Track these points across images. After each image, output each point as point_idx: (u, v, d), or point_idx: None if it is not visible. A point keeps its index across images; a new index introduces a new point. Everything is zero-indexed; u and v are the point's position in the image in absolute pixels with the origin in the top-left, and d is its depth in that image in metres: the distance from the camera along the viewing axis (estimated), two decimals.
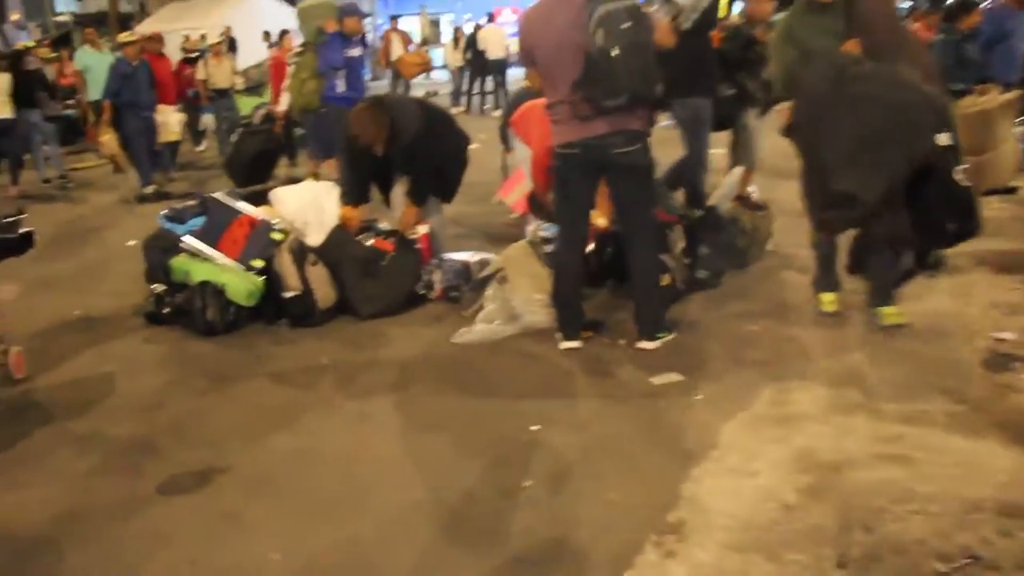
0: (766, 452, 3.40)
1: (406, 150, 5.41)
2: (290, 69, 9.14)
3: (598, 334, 4.77)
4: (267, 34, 18.36)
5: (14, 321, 5.58)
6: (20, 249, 4.34)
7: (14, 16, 41.11)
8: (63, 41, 32.14)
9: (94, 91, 11.03)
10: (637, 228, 4.56)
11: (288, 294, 5.12)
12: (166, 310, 5.32)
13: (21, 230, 4.35)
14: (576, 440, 3.62)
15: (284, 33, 12.98)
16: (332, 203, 5.89)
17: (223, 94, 12.49)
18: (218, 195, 5.74)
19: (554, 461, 3.47)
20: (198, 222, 5.92)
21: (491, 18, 16.87)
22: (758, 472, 3.25)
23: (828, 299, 4.82)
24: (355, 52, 8.27)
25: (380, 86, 18.43)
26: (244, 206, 5.57)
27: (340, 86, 8.21)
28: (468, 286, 5.45)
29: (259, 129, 9.74)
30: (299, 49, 9.08)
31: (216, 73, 12.33)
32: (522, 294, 5.04)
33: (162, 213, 6.10)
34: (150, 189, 9.85)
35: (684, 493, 3.14)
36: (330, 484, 3.45)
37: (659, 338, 4.59)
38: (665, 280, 4.92)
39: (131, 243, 7.45)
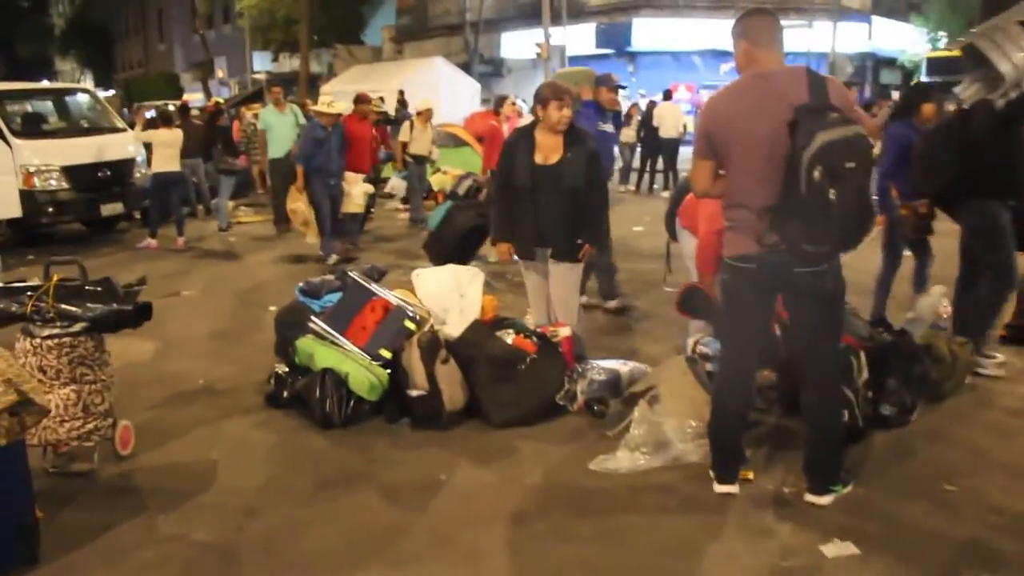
0: None
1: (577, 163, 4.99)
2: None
3: (759, 478, 4.02)
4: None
5: (139, 384, 5.41)
6: (137, 321, 4.04)
7: (220, 73, 44.32)
8: (255, 98, 34.19)
9: (273, 150, 11.03)
10: (817, 362, 3.77)
11: (414, 393, 4.62)
12: (285, 393, 4.92)
13: (139, 300, 4.03)
14: None
15: (503, 98, 12.64)
16: (475, 291, 5.42)
17: (420, 161, 12.05)
18: (355, 273, 5.36)
19: None
20: (333, 299, 5.58)
21: (667, 95, 16.23)
22: None
23: None
24: (608, 127, 7.16)
25: None
26: (380, 288, 5.16)
27: None
28: (616, 400, 4.80)
29: (470, 203, 8.99)
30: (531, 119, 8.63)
31: (420, 139, 11.86)
32: (675, 420, 4.35)
33: (299, 286, 5.80)
34: (332, 259, 9.30)
35: None
36: None
37: (833, 492, 3.79)
38: (843, 418, 4.12)
39: (272, 308, 7.26)
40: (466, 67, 28.91)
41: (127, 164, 11.16)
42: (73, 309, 3.89)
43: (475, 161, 16.57)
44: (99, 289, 3.96)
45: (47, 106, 13.04)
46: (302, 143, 9.46)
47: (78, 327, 3.90)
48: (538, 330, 5.11)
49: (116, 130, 11.65)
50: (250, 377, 5.54)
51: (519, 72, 32.68)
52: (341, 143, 9.53)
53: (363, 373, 4.64)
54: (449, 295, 5.40)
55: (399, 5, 38.95)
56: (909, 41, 28.82)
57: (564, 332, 5.06)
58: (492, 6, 31.63)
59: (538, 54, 26.58)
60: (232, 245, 11.15)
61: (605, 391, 4.86)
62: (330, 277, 5.82)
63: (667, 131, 15.17)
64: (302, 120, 11.25)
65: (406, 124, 12.15)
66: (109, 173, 10.86)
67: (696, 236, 5.15)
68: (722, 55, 27.85)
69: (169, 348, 6.38)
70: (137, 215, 12.01)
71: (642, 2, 27.85)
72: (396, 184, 12.81)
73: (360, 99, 10.65)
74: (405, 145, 11.84)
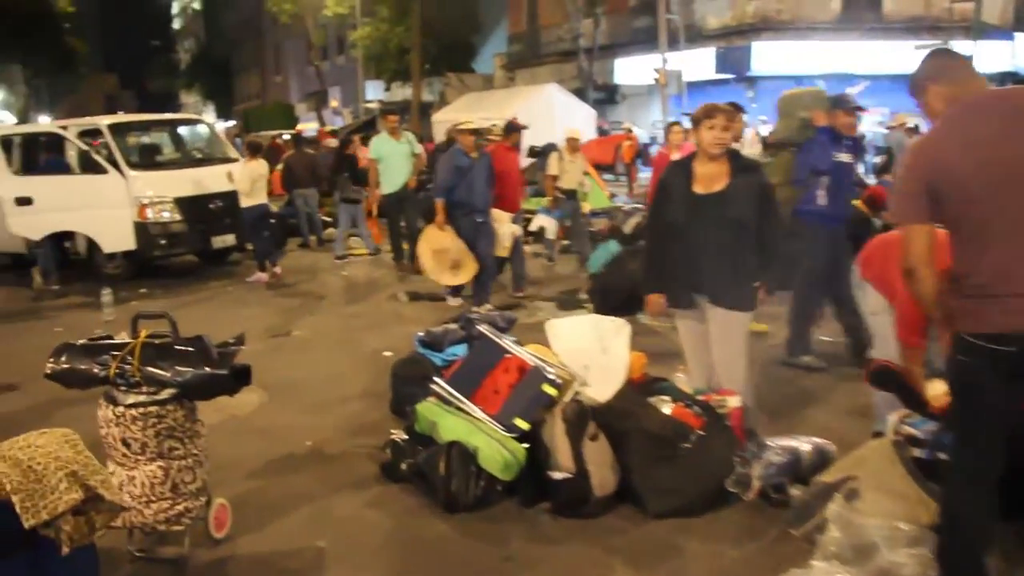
0: None
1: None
2: None
3: None
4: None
5: (240, 443, 4.83)
6: (233, 388, 3.40)
7: (333, 103, 44.99)
8: (368, 127, 34.39)
9: (386, 182, 10.33)
10: None
11: (557, 475, 3.85)
12: (403, 466, 4.22)
13: (236, 363, 3.39)
14: None
15: (673, 124, 11.66)
16: (621, 346, 4.64)
17: (572, 196, 10.69)
18: (485, 327, 4.65)
19: None
20: (457, 351, 4.91)
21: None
22: None
23: None
24: (844, 157, 6.10)
25: None
26: (513, 344, 4.43)
27: (820, 198, 6.04)
28: (796, 486, 3.94)
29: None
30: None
31: (570, 171, 10.48)
32: (880, 520, 3.46)
33: (418, 335, 5.13)
34: (483, 308, 7.45)
35: None
36: None
37: None
38: None
39: (387, 354, 6.65)
40: (580, 93, 28.24)
41: (237, 195, 10.82)
42: (161, 373, 3.29)
43: (595, 191, 15.87)
44: (191, 349, 3.34)
45: (162, 137, 12.94)
46: (441, 172, 8.28)
47: (166, 394, 3.29)
48: (700, 398, 4.28)
49: (229, 160, 11.33)
50: (364, 439, 4.88)
51: (634, 99, 31.89)
52: (488, 174, 8.24)
53: (495, 448, 3.90)
54: (590, 350, 4.63)
55: (511, 32, 38.71)
56: None
57: (733, 402, 4.21)
58: (606, 31, 30.95)
59: (655, 80, 25.77)
60: (346, 280, 10.63)
61: (784, 475, 4.00)
62: (453, 326, 5.15)
63: None
64: (418, 149, 10.65)
65: (553, 156, 10.74)
66: (221, 204, 10.52)
67: (884, 293, 4.27)
68: (847, 79, 26.42)
69: (275, 398, 5.80)
70: (249, 247, 11.68)
71: (762, 25, 26.68)
72: (544, 222, 11.40)
73: (512, 127, 9.26)
74: (554, 179, 10.48)
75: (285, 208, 13.78)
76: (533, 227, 11.15)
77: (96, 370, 3.33)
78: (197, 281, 10.40)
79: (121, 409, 3.27)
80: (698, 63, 26.72)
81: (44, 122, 29.08)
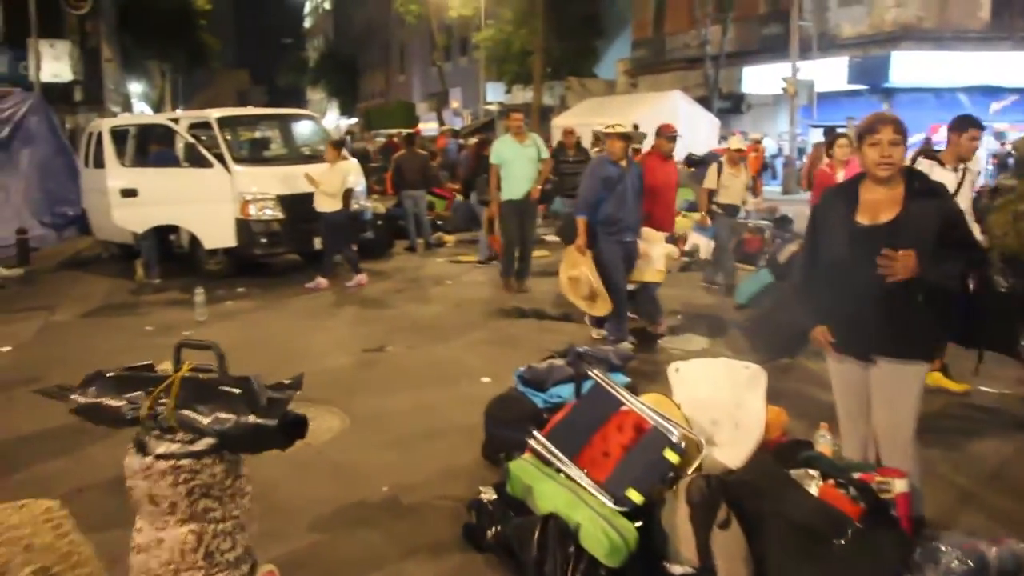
0: None
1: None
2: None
3: None
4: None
5: (306, 482, 4.26)
6: (284, 442, 2.78)
7: (454, 104, 44.96)
8: (487, 128, 34.07)
9: (507, 189, 9.23)
10: None
11: (675, 569, 3.10)
12: (490, 533, 3.54)
13: (289, 411, 2.77)
14: None
15: (839, 136, 10.05)
16: (757, 400, 3.86)
17: (732, 212, 9.58)
18: (597, 371, 3.92)
19: None
20: (563, 392, 4.21)
21: (928, 147, 13.38)
22: None
23: None
24: None
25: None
26: (629, 395, 3.69)
27: None
28: None
29: None
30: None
31: (732, 185, 9.37)
32: None
33: (519, 371, 4.45)
34: (627, 346, 6.59)
35: None
36: None
37: None
38: None
39: (486, 380, 6.01)
40: (704, 101, 27.12)
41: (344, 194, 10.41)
42: (199, 418, 2.69)
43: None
44: (236, 391, 2.73)
45: (270, 132, 12.67)
46: (586, 184, 6.94)
47: (203, 445, 2.70)
48: (858, 476, 3.43)
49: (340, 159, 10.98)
50: (448, 488, 4.23)
51: (759, 108, 30.48)
52: (639, 187, 7.04)
53: (601, 526, 3.17)
54: (721, 402, 3.88)
55: (635, 38, 37.76)
56: None
57: (900, 486, 3.36)
58: (734, 38, 29.68)
59: (784, 89, 24.47)
60: (451, 290, 9.92)
61: None
62: (559, 362, 4.45)
63: None
64: (544, 153, 9.57)
65: (713, 167, 9.63)
66: None
67: None
68: (992, 92, 24.49)
69: (356, 426, 5.24)
70: (354, 247, 11.28)
71: (901, 33, 24.96)
72: (698, 241, 10.44)
73: (663, 132, 8.12)
74: (712, 193, 9.42)
75: (394, 208, 13.39)
76: (687, 247, 10.17)
77: (126, 409, 2.77)
78: (296, 282, 10.00)
79: (150, 460, 2.69)
80: (830, 72, 25.25)
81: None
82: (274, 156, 11.54)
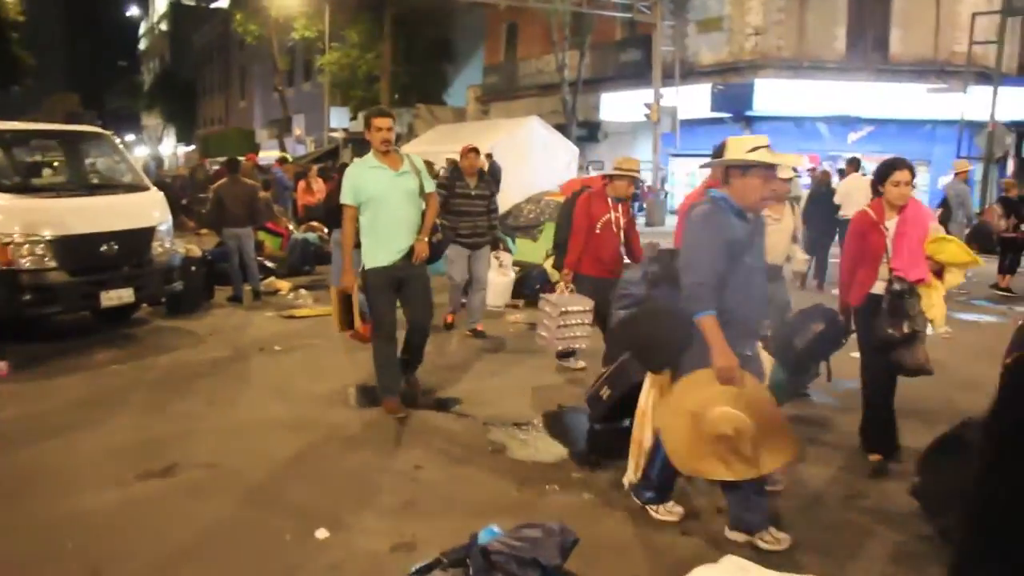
0: None
1: None
2: None
3: None
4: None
5: None
6: None
7: (297, 131, 42.45)
8: (331, 156, 32.01)
9: (373, 248, 5.85)
10: None
11: None
12: None
13: None
14: None
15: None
16: None
17: (772, 276, 5.15)
18: None
19: None
20: None
21: (855, 164, 12.59)
22: None
23: None
24: None
25: None
26: None
27: None
28: None
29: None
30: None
31: (771, 237, 4.95)
32: None
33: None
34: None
35: None
36: None
37: None
38: None
39: (323, 535, 4.16)
40: (562, 129, 26.02)
41: (143, 235, 8.25)
42: None
43: None
44: None
45: (48, 154, 10.30)
46: (701, 253, 3.87)
47: None
48: None
49: (137, 188, 8.80)
50: None
51: (616, 137, 29.76)
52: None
53: None
54: None
55: (486, 63, 36.67)
56: None
57: None
58: (590, 65, 28.85)
59: (647, 116, 23.66)
60: (281, 364, 7.71)
61: None
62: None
63: (850, 211, 11.56)
64: (430, 185, 6.04)
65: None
66: (117, 247, 7.93)
67: None
68: (851, 122, 24.49)
69: None
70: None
71: (761, 62, 24.71)
72: None
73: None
74: None
75: (214, 250, 11.27)
76: None
77: None
78: (77, 352, 7.77)
79: None
80: (692, 100, 24.67)
81: None
82: (49, 185, 9.17)
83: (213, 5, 50.03)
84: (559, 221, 7.85)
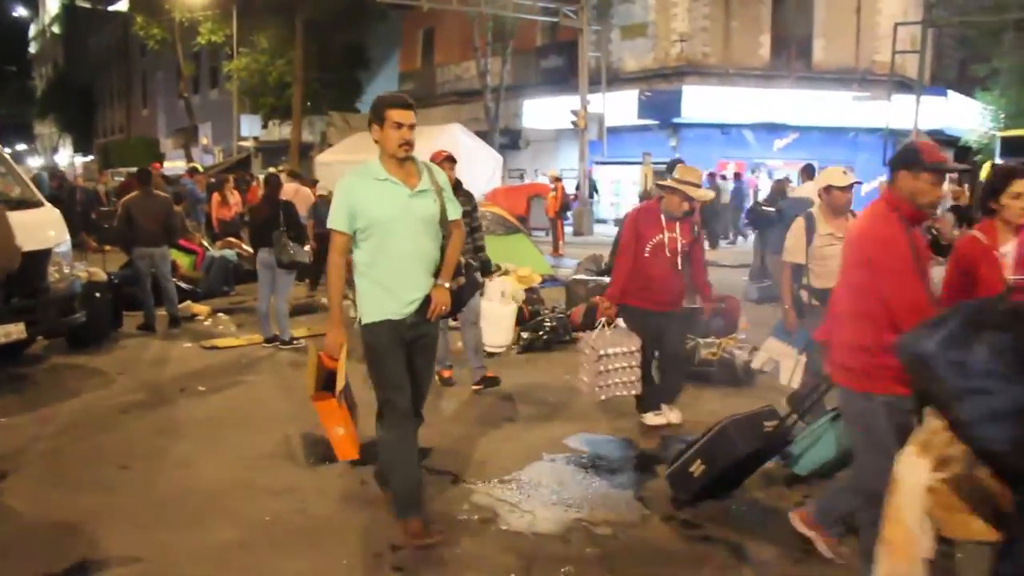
0: None
1: None
2: None
3: None
4: None
5: None
6: None
7: (204, 140, 40.62)
8: (241, 166, 30.55)
9: (373, 294, 3.57)
10: None
11: None
12: None
13: None
14: None
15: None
16: None
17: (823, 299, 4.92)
18: None
19: None
20: None
21: (810, 172, 11.98)
22: None
23: None
24: None
25: None
26: None
27: None
28: None
29: None
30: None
31: (831, 259, 5.01)
32: None
33: None
34: None
35: None
36: None
37: None
38: None
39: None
40: (484, 136, 25.19)
41: (36, 259, 7.08)
42: None
43: (530, 252, 12.68)
44: None
45: None
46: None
47: None
48: None
49: (28, 204, 7.63)
50: None
51: (538, 144, 29.14)
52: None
53: None
54: None
55: (402, 70, 35.69)
56: (971, 119, 25.33)
57: None
58: (511, 71, 28.13)
59: (573, 123, 23.04)
60: (209, 408, 6.71)
61: None
62: None
63: None
64: (456, 211, 4.18)
65: (798, 225, 5.57)
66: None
67: None
68: (776, 129, 24.40)
69: None
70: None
71: (687, 68, 24.42)
72: (775, 352, 5.85)
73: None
74: (798, 269, 5.53)
75: (122, 272, 10.08)
76: (756, 364, 6.28)
77: None
78: None
79: None
80: (618, 107, 24.16)
81: None
82: None
83: (111, 8, 47.41)
84: (614, 242, 6.85)
